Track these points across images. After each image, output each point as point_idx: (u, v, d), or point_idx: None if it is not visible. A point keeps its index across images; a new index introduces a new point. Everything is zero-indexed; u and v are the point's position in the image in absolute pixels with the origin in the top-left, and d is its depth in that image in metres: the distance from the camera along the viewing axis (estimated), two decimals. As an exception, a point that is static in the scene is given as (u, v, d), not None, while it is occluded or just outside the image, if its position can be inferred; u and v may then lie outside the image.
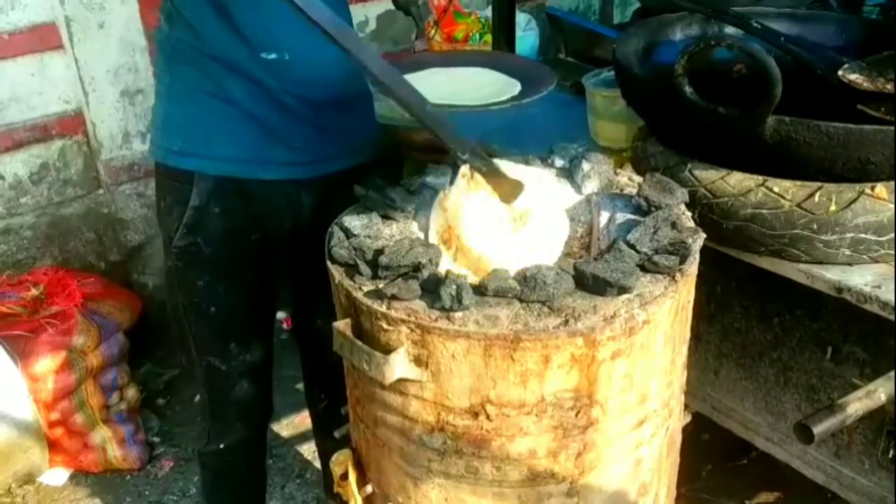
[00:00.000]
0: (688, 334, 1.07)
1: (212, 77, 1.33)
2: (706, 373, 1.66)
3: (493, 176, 1.01)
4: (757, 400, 1.57)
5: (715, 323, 1.59)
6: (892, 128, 1.11)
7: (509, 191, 1.01)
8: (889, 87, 1.21)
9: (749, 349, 1.55)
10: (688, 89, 1.15)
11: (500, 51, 2.09)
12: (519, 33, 2.95)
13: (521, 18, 3.04)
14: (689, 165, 1.25)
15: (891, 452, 1.32)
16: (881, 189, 1.13)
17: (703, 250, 1.31)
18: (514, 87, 1.46)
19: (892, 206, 1.13)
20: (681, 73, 1.14)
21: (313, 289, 1.35)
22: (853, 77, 1.21)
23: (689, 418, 1.21)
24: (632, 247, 0.99)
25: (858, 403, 1.11)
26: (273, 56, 1.31)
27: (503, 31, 2.25)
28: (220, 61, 1.32)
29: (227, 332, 1.52)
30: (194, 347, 1.54)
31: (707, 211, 1.23)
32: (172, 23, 1.35)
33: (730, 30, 1.54)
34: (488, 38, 2.60)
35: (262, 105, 1.34)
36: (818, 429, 1.04)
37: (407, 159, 1.86)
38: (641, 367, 0.97)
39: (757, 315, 1.50)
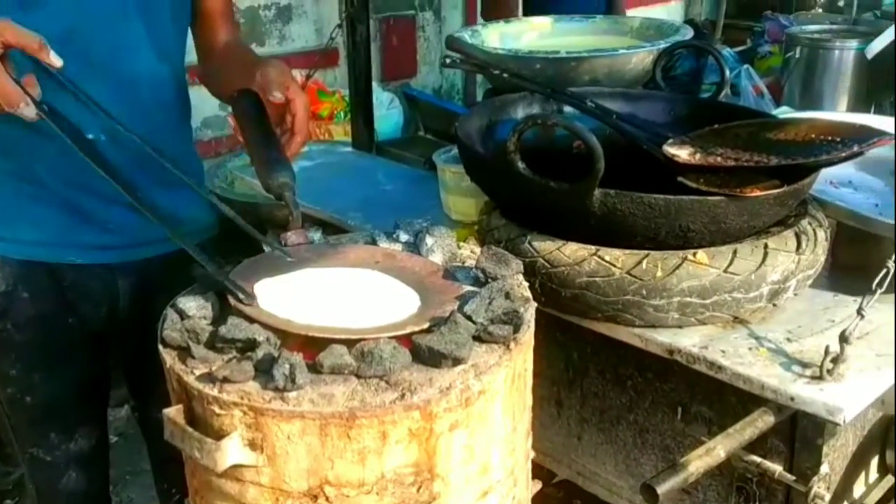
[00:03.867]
0: (528, 401, 1.09)
1: (16, 156, 1.29)
2: (570, 438, 1.69)
3: None
4: (618, 463, 1.61)
5: (574, 388, 1.63)
6: (709, 197, 1.19)
7: None
8: (709, 159, 1.30)
9: (607, 413, 1.59)
10: (520, 165, 1.20)
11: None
12: (383, 112, 3.03)
13: (385, 97, 3.12)
14: (528, 237, 1.30)
15: (740, 507, 1.37)
16: (702, 255, 1.21)
17: (555, 318, 1.36)
18: (411, 302, 1.09)
19: (713, 270, 1.20)
20: (513, 150, 1.19)
21: (150, 377, 1.30)
22: (674, 151, 1.30)
23: (539, 486, 1.22)
24: (468, 318, 1.00)
25: (699, 461, 1.15)
26: (90, 136, 1.27)
27: (361, 110, 2.30)
28: (25, 141, 1.27)
29: (48, 422, 1.45)
30: (15, 439, 1.46)
31: (546, 280, 1.27)
32: None
33: (568, 108, 1.63)
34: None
35: (71, 186, 1.30)
36: (662, 488, 1.07)
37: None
38: (481, 438, 0.98)
39: (612, 379, 1.55)
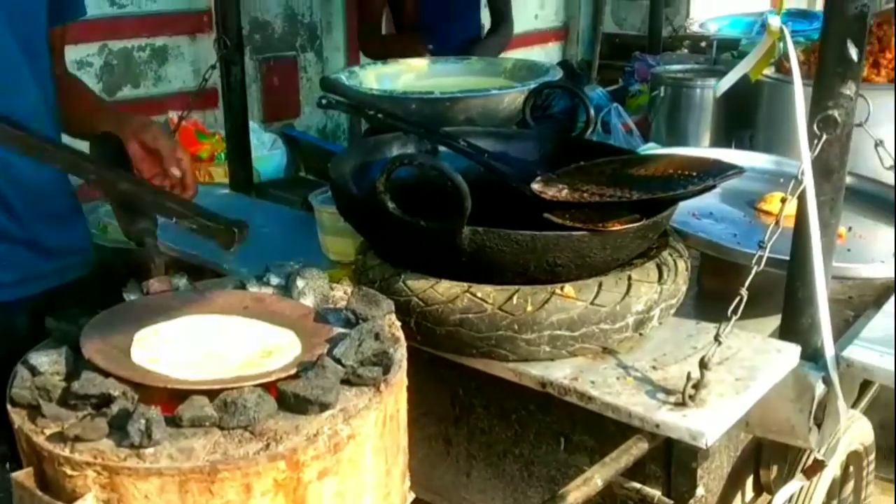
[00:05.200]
0: (403, 443, 1.08)
1: None
2: (459, 476, 1.68)
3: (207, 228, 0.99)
4: (506, 497, 1.61)
5: (461, 425, 1.63)
6: (573, 233, 1.23)
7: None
8: (574, 195, 1.34)
9: (494, 448, 1.60)
10: (391, 205, 1.21)
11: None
12: (265, 153, 2.99)
13: (267, 138, 3.08)
14: (402, 276, 1.30)
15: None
16: (569, 289, 1.24)
17: (435, 356, 1.36)
18: (291, 347, 1.05)
19: (580, 303, 1.24)
20: (382, 191, 1.20)
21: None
22: (541, 188, 1.33)
23: (420, 527, 1.21)
24: (337, 361, 0.99)
25: (577, 492, 1.17)
26: None
27: (238, 151, 2.27)
28: None
29: None
30: None
31: (421, 319, 1.27)
32: None
33: (442, 148, 1.66)
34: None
35: None
36: (539, 522, 1.07)
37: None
38: (352, 484, 0.96)
39: (497, 413, 1.56)
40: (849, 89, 1.21)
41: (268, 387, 0.95)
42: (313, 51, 3.95)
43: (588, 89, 3.07)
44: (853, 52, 1.20)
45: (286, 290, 1.21)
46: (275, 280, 1.23)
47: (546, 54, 5.52)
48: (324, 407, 0.92)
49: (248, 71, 3.68)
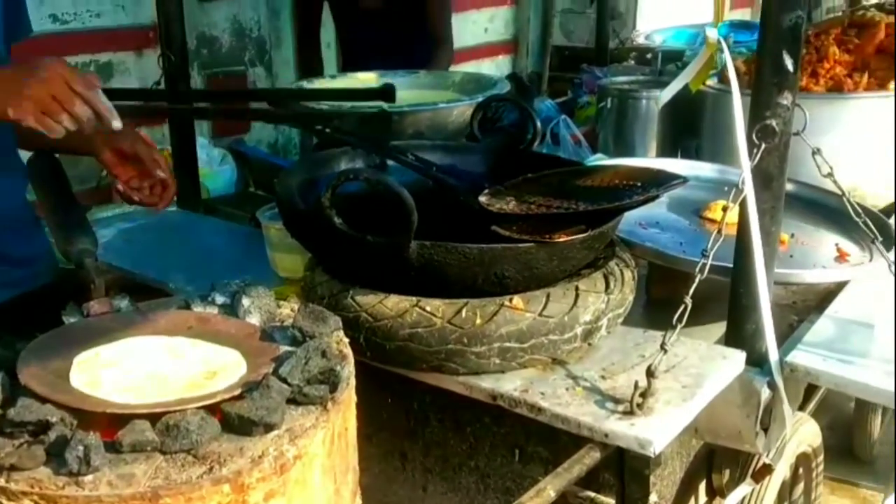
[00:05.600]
0: (352, 461, 1.07)
1: None
2: (415, 490, 1.67)
3: None
4: (463, 509, 1.60)
5: (416, 439, 1.62)
6: (520, 245, 1.23)
7: None
8: (521, 207, 1.35)
9: (450, 461, 1.59)
10: (337, 221, 1.20)
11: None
12: (215, 168, 2.95)
13: (216, 154, 3.05)
14: (351, 292, 1.29)
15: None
16: (518, 300, 1.24)
17: (389, 371, 1.35)
18: (236, 368, 1.03)
19: (529, 315, 1.24)
20: (328, 206, 1.19)
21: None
22: (488, 200, 1.33)
23: (372, 545, 1.19)
24: (283, 380, 0.98)
25: (531, 503, 1.17)
26: None
27: (185, 167, 2.23)
28: None
29: None
30: None
31: (371, 334, 1.27)
32: None
33: (390, 161, 1.65)
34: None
35: None
36: (492, 535, 1.07)
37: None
38: (300, 504, 0.95)
39: (452, 426, 1.56)
40: (785, 99, 1.24)
41: (212, 409, 0.93)
42: (263, 65, 3.92)
43: (537, 101, 3.10)
44: (789, 63, 1.23)
45: (232, 308, 1.20)
46: (220, 299, 1.21)
47: (497, 67, 5.56)
48: (269, 428, 0.91)
49: (197, 86, 3.65)
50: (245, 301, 1.17)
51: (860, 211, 1.41)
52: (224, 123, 3.71)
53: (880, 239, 1.38)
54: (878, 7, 5.57)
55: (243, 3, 3.81)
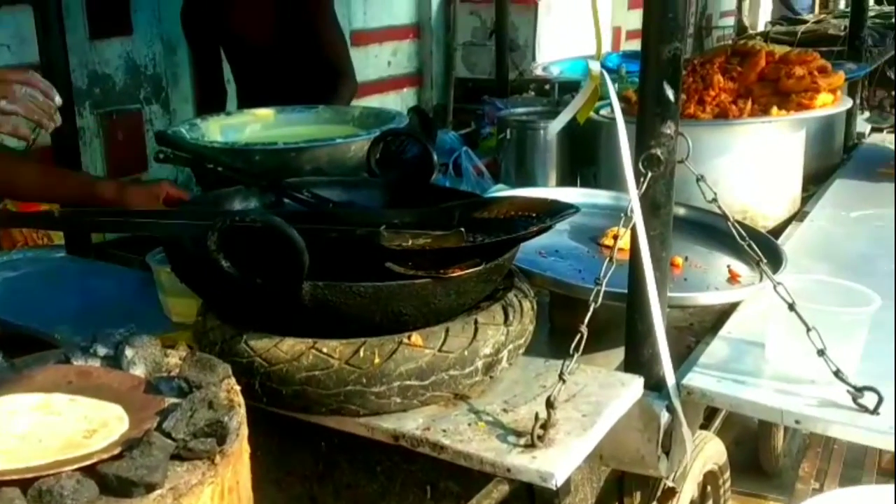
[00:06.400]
0: (246, 514, 1.02)
1: None
2: (328, 535, 1.62)
3: None
4: (377, 551, 1.56)
5: (326, 483, 1.58)
6: (416, 281, 1.22)
7: None
8: (418, 242, 1.34)
9: (362, 502, 1.55)
10: (225, 264, 1.16)
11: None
12: (110, 210, 2.84)
13: (111, 195, 2.94)
14: (244, 336, 1.25)
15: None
16: (416, 337, 1.23)
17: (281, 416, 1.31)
18: (118, 424, 0.97)
19: (428, 351, 1.22)
20: (214, 250, 1.15)
21: None
22: (384, 236, 1.31)
23: None
24: (167, 434, 0.93)
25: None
26: None
27: (73, 211, 2.13)
28: None
29: None
30: None
31: (266, 380, 1.22)
32: None
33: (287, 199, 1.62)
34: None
35: None
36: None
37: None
38: (189, 566, 0.90)
39: (363, 467, 1.52)
40: (668, 129, 1.28)
41: (89, 470, 0.88)
42: (159, 103, 3.83)
43: (441, 133, 3.11)
44: (670, 94, 1.26)
45: (115, 360, 1.14)
46: (102, 350, 1.15)
47: (401, 100, 5.60)
48: (150, 488, 0.86)
49: (89, 126, 3.54)
50: (129, 352, 1.12)
51: (745, 235, 1.45)
52: (120, 160, 3.60)
53: (765, 261, 1.42)
54: (763, 36, 5.88)
55: (137, 39, 3.72)
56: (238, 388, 1.10)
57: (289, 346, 1.22)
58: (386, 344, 1.21)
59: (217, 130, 2.10)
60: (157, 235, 1.32)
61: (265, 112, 2.26)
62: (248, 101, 2.81)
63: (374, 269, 1.26)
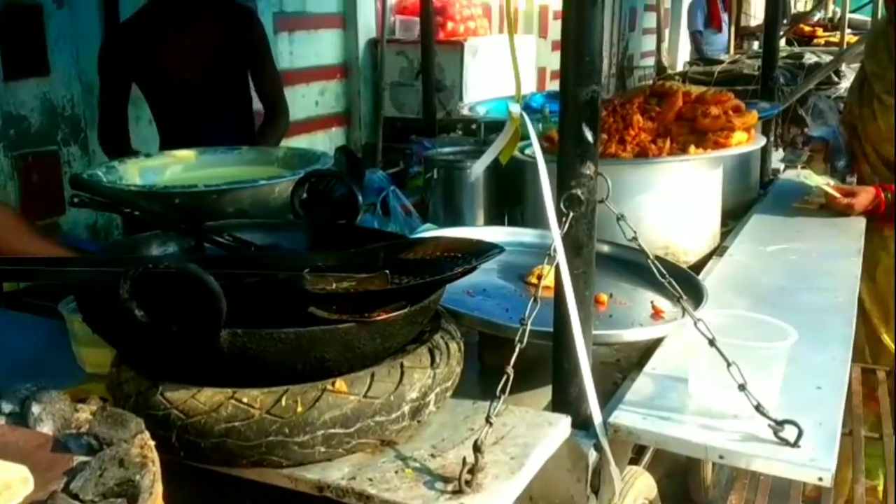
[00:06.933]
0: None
1: None
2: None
3: None
4: None
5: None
6: (339, 325, 1.20)
7: None
8: (343, 285, 1.31)
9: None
10: (138, 312, 1.11)
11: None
12: (23, 256, 2.73)
13: (25, 240, 2.82)
14: (160, 388, 1.20)
15: None
16: (341, 383, 1.20)
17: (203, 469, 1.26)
18: (21, 486, 0.90)
19: (353, 397, 1.20)
20: (127, 298, 1.10)
21: None
22: (307, 280, 1.29)
23: None
24: (74, 496, 0.88)
25: None
26: None
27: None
28: None
29: None
30: None
31: (183, 432, 1.18)
32: None
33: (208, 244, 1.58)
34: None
35: None
36: None
37: None
38: None
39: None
40: (588, 169, 1.29)
41: (-14, 539, 0.82)
42: (77, 144, 3.72)
43: (370, 172, 3.10)
44: (589, 135, 1.28)
45: (21, 417, 1.08)
46: (7, 407, 1.09)
47: (330, 139, 5.58)
48: (52, 556, 0.81)
49: (4, 168, 3.41)
50: (35, 408, 1.06)
51: (665, 272, 1.48)
52: (35, 204, 3.48)
53: (685, 298, 1.44)
54: (682, 76, 6.07)
55: (55, 80, 3.62)
56: (152, 443, 1.05)
57: (207, 397, 1.17)
58: (309, 391, 1.18)
59: (136, 173, 2.05)
60: (68, 283, 1.26)
61: (186, 153, 2.21)
62: (173, 142, 2.76)
63: (298, 314, 1.23)
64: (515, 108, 1.37)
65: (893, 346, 2.80)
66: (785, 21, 8.62)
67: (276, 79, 3.18)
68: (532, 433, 1.28)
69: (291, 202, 1.70)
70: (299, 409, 1.17)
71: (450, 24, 5.99)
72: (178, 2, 2.86)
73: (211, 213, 1.73)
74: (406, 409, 1.24)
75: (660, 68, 7.96)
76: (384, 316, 1.21)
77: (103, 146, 2.93)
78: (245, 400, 1.16)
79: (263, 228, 1.67)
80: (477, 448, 1.15)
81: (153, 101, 2.96)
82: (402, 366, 1.26)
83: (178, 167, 2.16)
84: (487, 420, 1.19)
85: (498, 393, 1.21)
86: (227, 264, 1.37)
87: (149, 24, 2.85)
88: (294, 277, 1.28)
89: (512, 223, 2.48)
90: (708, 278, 2.08)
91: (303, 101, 5.26)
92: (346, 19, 5.71)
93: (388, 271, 1.29)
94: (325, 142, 5.41)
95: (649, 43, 10.61)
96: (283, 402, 1.17)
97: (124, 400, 1.24)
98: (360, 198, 1.69)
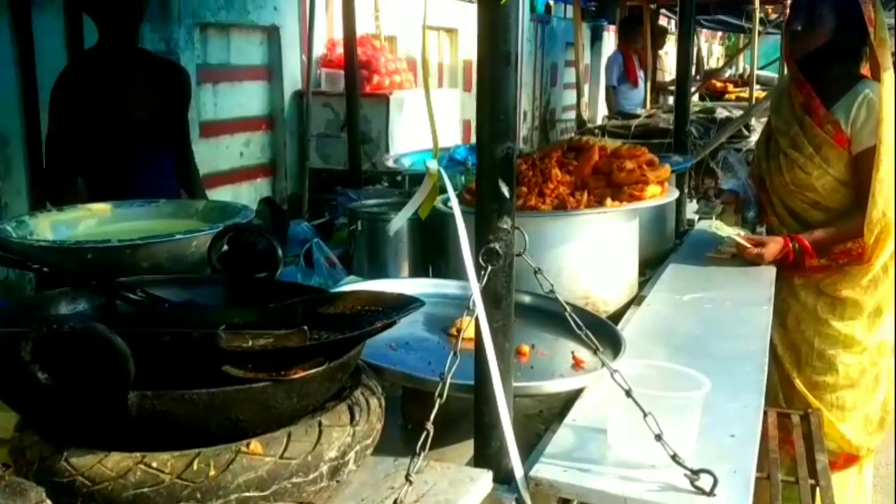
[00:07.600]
0: None
1: None
2: None
3: None
4: None
5: None
6: (254, 385, 1.17)
7: None
8: (259, 342, 1.29)
9: None
10: (41, 375, 1.07)
11: None
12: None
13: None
14: (65, 454, 1.14)
15: None
16: (255, 444, 1.17)
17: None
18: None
19: (269, 458, 1.16)
20: (29, 360, 1.06)
21: None
22: (222, 338, 1.26)
23: None
24: (-36, 576, 0.83)
25: None
26: None
27: None
28: None
29: None
30: None
31: (89, 500, 1.12)
32: None
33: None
34: None
35: None
36: None
37: None
38: None
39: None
40: (505, 223, 1.31)
41: None
42: (-10, 197, 3.60)
43: (294, 223, 3.08)
44: (505, 190, 1.30)
45: None
46: None
47: (255, 190, 5.53)
48: None
49: None
50: (-75, 480, 1.00)
51: (581, 324, 1.50)
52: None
53: (601, 349, 1.47)
54: (601, 129, 6.26)
55: (-34, 131, 3.51)
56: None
57: (114, 462, 1.12)
58: (222, 454, 1.15)
59: (48, 227, 1.98)
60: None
61: (101, 207, 2.16)
62: (105, 195, 2.71)
63: (212, 372, 1.20)
64: (433, 164, 1.39)
65: (805, 391, 2.90)
66: (698, 77, 9.03)
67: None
68: (454, 489, 1.27)
69: (209, 256, 1.67)
70: (212, 472, 1.13)
71: (375, 78, 6.06)
72: (117, 53, 2.97)
73: (126, 269, 1.68)
74: (324, 469, 1.21)
75: (580, 122, 8.19)
76: (301, 373, 1.19)
77: (48, 196, 2.94)
78: (155, 465, 1.12)
79: (179, 284, 1.63)
80: (396, 507, 1.13)
81: (103, 153, 2.97)
82: (320, 424, 1.23)
83: (92, 221, 2.10)
84: (407, 478, 1.17)
85: (417, 450, 1.20)
86: (137, 322, 1.33)
87: (93, 69, 2.95)
88: (208, 335, 1.25)
89: (437, 274, 2.49)
90: (626, 328, 2.12)
91: (227, 151, 5.21)
92: (271, 71, 5.72)
93: (306, 327, 1.27)
94: (250, 192, 5.36)
95: (570, 97, 10.94)
96: (195, 466, 1.13)
97: (27, 467, 1.18)
98: (280, 251, 1.68)
